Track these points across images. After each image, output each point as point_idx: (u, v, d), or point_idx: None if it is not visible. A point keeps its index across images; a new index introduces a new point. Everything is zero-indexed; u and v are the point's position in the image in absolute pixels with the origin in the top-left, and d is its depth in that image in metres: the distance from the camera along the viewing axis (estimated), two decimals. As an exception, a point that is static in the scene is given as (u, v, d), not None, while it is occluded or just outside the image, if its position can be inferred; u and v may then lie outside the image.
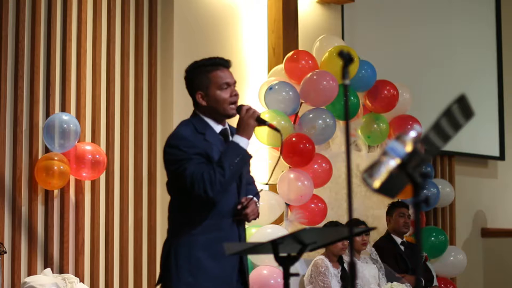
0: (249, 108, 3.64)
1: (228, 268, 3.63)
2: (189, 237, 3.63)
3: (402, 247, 6.58)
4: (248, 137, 3.62)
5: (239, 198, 3.69)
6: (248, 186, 3.82)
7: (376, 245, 6.53)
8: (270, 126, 3.72)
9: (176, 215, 3.76)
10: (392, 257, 6.49)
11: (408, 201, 6.77)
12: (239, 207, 3.65)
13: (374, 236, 6.68)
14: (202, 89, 3.67)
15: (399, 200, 6.63)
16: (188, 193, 3.60)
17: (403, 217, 6.57)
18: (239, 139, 3.60)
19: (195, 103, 3.74)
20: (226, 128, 3.74)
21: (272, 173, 4.02)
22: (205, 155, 3.59)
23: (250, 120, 3.61)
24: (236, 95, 3.67)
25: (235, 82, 3.70)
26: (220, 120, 3.71)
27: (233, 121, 3.75)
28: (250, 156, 3.63)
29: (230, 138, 3.70)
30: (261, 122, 3.66)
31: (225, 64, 3.69)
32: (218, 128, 3.70)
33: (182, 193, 3.67)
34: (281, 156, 3.75)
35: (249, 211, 3.65)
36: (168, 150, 3.65)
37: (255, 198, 3.70)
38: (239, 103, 3.73)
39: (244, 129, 3.61)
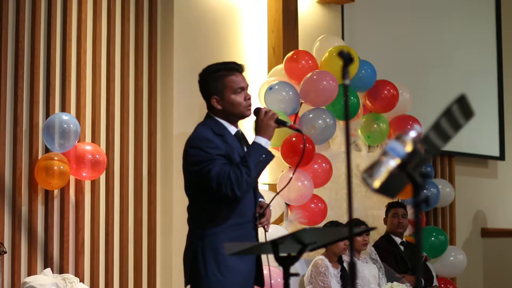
0: (268, 111, 3.76)
1: (249, 263, 3.75)
2: (213, 236, 3.70)
3: (401, 247, 6.58)
4: (269, 138, 3.73)
5: (255, 198, 3.81)
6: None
7: (376, 245, 6.53)
8: (291, 127, 3.86)
9: (197, 216, 3.81)
10: (392, 257, 6.50)
11: (408, 201, 6.77)
12: (257, 214, 3.80)
13: (374, 236, 6.68)
14: (217, 94, 3.76)
15: (398, 200, 6.64)
16: (212, 193, 3.66)
17: (397, 217, 6.58)
18: (260, 140, 3.72)
19: (210, 106, 3.83)
20: (239, 130, 3.84)
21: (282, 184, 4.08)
22: (227, 156, 3.68)
23: (270, 122, 3.73)
24: (250, 98, 3.79)
25: (247, 86, 3.82)
26: (234, 122, 3.82)
27: (244, 124, 3.83)
28: (273, 156, 3.74)
29: (242, 140, 3.83)
30: (281, 123, 3.79)
31: (239, 69, 3.81)
32: (232, 130, 3.80)
33: (204, 194, 3.73)
34: (302, 157, 3.87)
35: (264, 220, 3.80)
36: (191, 151, 3.72)
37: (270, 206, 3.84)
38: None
39: (265, 130, 3.72)
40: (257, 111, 3.78)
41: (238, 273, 3.71)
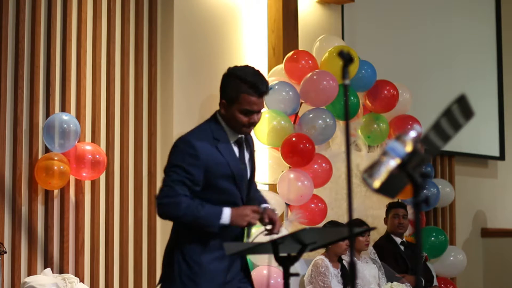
0: (254, 216, 3.58)
1: (227, 261, 3.64)
2: (189, 243, 3.63)
3: (402, 247, 6.58)
4: (232, 223, 3.55)
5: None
6: (256, 194, 3.85)
7: (376, 245, 6.53)
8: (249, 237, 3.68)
9: None
10: (392, 257, 6.50)
11: (408, 201, 6.77)
12: (267, 229, 3.63)
13: (374, 236, 6.68)
14: (227, 100, 3.63)
15: (398, 200, 6.64)
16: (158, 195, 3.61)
17: (397, 218, 6.58)
18: (225, 218, 3.55)
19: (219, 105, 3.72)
20: (241, 137, 3.72)
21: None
22: (199, 174, 3.56)
23: (247, 220, 3.56)
24: (253, 123, 3.63)
25: (259, 110, 3.65)
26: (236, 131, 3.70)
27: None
28: (212, 231, 3.56)
29: (244, 146, 3.71)
30: (249, 228, 3.63)
31: (261, 92, 3.61)
32: (234, 137, 3.69)
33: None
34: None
35: (275, 229, 3.64)
36: (173, 149, 3.65)
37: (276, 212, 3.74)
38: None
39: (238, 219, 3.56)
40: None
41: (216, 275, 3.61)
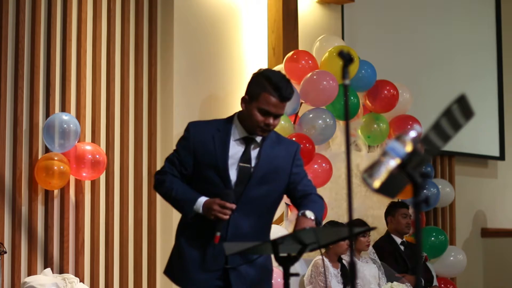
0: (222, 212, 3.57)
1: (207, 257, 3.69)
2: (180, 228, 3.82)
3: (402, 247, 6.58)
4: (204, 213, 3.61)
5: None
6: (301, 187, 3.81)
7: (376, 245, 6.52)
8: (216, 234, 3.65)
9: None
10: (392, 257, 6.49)
11: (408, 201, 6.77)
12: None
13: (374, 236, 6.68)
14: (249, 96, 3.67)
15: (399, 200, 6.63)
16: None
17: (406, 218, 6.57)
18: (199, 205, 3.63)
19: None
20: (253, 138, 3.71)
21: None
22: (186, 155, 3.71)
23: (213, 214, 3.58)
24: (269, 125, 3.64)
25: (278, 114, 3.65)
26: (248, 130, 3.70)
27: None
28: (188, 217, 3.66)
29: (252, 145, 3.71)
30: (218, 223, 3.60)
31: (283, 97, 3.63)
32: (239, 135, 3.70)
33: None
34: None
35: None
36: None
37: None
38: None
39: (206, 211, 3.60)
40: (226, 198, 3.59)
41: (188, 261, 3.74)
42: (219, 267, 3.70)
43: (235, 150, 3.69)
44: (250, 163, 3.69)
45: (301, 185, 3.78)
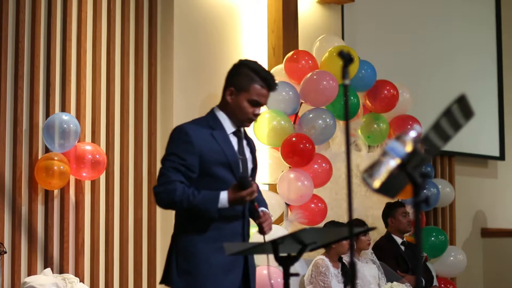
0: (254, 192, 3.56)
1: (228, 259, 3.61)
2: (186, 234, 3.65)
3: (402, 247, 6.58)
4: (230, 205, 3.56)
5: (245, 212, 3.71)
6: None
7: (376, 245, 6.52)
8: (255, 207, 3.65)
9: (178, 212, 3.76)
10: (393, 257, 6.49)
11: (408, 201, 6.76)
12: (257, 222, 3.66)
13: (374, 236, 6.68)
14: (236, 88, 3.68)
15: (398, 200, 6.63)
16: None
17: (406, 216, 6.56)
18: (224, 200, 3.55)
19: (222, 97, 3.75)
20: (240, 131, 3.75)
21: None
22: (193, 159, 3.59)
23: (245, 200, 3.55)
24: (257, 115, 3.70)
25: (264, 104, 3.73)
26: (234, 123, 3.73)
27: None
28: (212, 216, 3.56)
29: (243, 140, 3.74)
30: (252, 203, 3.62)
31: (270, 87, 3.69)
32: (230, 128, 3.72)
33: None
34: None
35: (266, 227, 3.65)
36: (169, 139, 3.69)
37: (270, 213, 3.75)
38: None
39: (236, 202, 3.56)
40: (246, 182, 3.56)
41: (214, 266, 3.60)
42: (241, 266, 3.69)
43: (234, 143, 3.72)
44: (244, 155, 3.75)
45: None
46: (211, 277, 3.59)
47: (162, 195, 3.57)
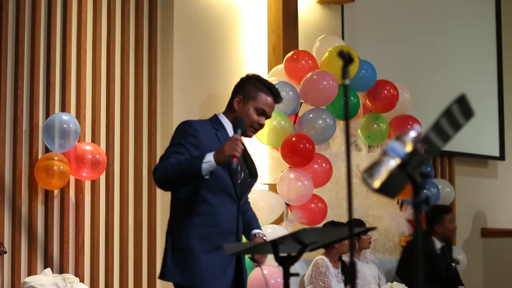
0: (239, 141, 3.50)
1: (223, 260, 3.65)
2: (184, 230, 3.69)
3: (439, 251, 6.59)
4: (218, 163, 3.49)
5: (237, 215, 3.73)
6: (248, 212, 3.91)
7: (412, 243, 6.51)
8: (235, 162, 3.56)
9: (174, 207, 3.81)
10: (425, 257, 6.52)
11: (408, 201, 6.77)
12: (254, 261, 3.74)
13: (375, 236, 6.68)
14: (244, 97, 3.79)
15: (444, 205, 6.73)
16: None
17: (452, 222, 6.70)
18: (210, 155, 3.48)
19: (229, 105, 3.85)
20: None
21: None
22: (196, 152, 3.60)
23: (233, 153, 3.47)
24: (261, 125, 3.81)
25: (268, 116, 3.83)
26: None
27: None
28: (201, 178, 3.50)
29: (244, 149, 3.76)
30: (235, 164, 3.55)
31: (276, 98, 3.83)
32: (231, 132, 3.76)
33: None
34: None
35: (259, 258, 3.72)
36: (175, 131, 3.73)
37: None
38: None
39: (220, 155, 3.49)
40: (240, 122, 3.60)
41: (209, 269, 3.63)
42: (233, 266, 3.72)
43: None
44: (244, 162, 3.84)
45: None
46: (204, 276, 3.63)
47: (159, 176, 3.56)
